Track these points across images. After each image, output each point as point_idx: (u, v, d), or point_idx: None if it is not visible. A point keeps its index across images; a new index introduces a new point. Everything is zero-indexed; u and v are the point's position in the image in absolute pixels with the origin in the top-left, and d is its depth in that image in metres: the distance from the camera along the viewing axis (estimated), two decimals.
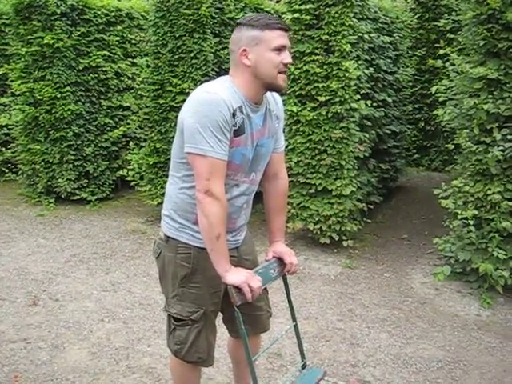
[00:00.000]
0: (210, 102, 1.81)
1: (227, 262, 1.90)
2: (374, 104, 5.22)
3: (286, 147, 4.79)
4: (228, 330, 2.34)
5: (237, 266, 2.05)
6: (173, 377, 2.27)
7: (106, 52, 6.44)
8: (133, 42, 6.92)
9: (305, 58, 4.55)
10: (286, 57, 1.90)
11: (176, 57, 5.31)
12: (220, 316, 2.25)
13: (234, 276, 1.87)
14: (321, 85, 4.53)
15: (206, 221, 1.85)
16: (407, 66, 7.16)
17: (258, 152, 2.00)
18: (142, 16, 7.04)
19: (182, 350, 2.06)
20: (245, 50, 1.89)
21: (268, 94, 2.03)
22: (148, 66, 5.64)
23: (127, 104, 6.70)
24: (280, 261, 2.17)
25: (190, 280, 2.00)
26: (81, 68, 6.23)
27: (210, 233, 1.85)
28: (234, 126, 1.86)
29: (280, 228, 2.23)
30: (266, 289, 2.20)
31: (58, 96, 6.04)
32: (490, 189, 3.86)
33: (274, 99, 2.09)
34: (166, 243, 2.04)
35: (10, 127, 7.05)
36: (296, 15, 4.51)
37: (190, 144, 1.84)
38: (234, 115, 1.85)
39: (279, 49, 1.88)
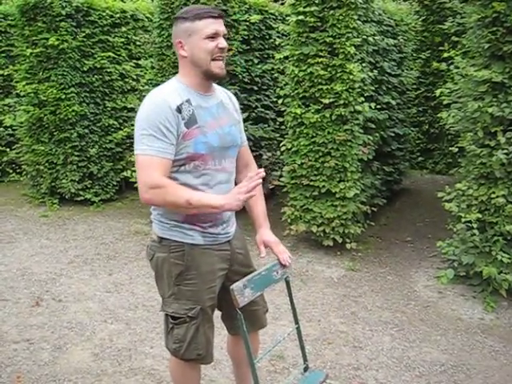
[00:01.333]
0: (152, 105, 1.92)
1: (212, 195, 1.93)
2: (378, 106, 5.21)
3: (290, 149, 4.80)
4: (227, 328, 2.36)
5: (231, 259, 2.12)
6: (173, 378, 2.27)
7: (110, 53, 6.46)
8: (137, 43, 6.94)
9: (309, 61, 4.55)
10: (221, 41, 1.96)
11: None
12: (218, 314, 2.25)
13: (230, 200, 1.87)
14: (325, 87, 4.53)
15: (174, 206, 1.89)
16: (411, 69, 7.15)
17: (225, 139, 2.04)
18: (146, 18, 7.06)
19: (181, 349, 2.07)
20: (180, 42, 1.98)
21: (224, 94, 2.14)
22: (152, 68, 5.65)
23: (131, 105, 6.72)
24: (281, 263, 2.19)
25: (185, 277, 2.02)
26: (85, 69, 6.25)
27: (184, 208, 1.90)
28: (183, 119, 1.91)
29: (261, 212, 2.26)
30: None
31: (63, 97, 6.07)
32: (494, 192, 3.85)
33: (229, 99, 2.17)
34: (159, 244, 2.06)
35: (14, 128, 7.09)
36: (300, 17, 4.51)
37: (135, 147, 1.92)
38: (179, 110, 1.90)
39: (212, 36, 1.94)
